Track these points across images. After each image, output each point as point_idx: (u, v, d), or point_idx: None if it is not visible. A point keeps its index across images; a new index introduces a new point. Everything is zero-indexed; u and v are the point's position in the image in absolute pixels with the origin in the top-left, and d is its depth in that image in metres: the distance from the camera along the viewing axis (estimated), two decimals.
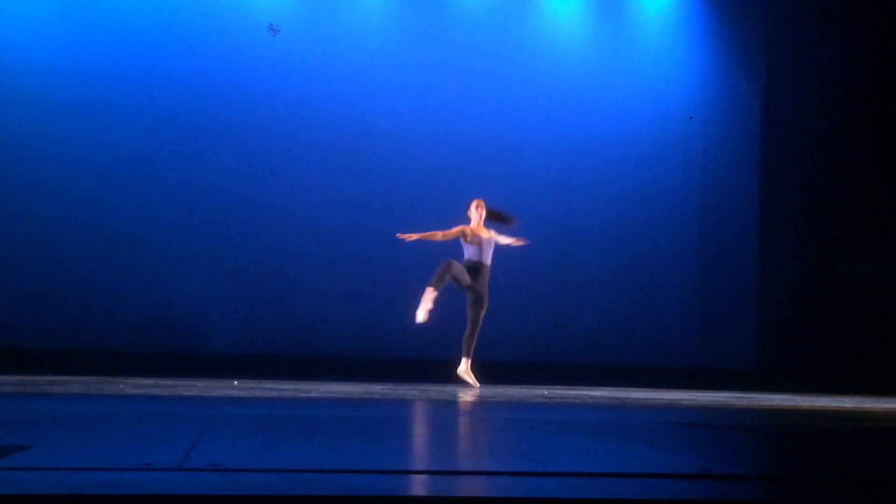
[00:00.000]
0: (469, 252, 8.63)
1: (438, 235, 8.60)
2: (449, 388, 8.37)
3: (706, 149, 12.90)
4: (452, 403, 6.70)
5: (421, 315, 8.09)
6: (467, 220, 8.73)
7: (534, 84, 12.39)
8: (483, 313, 8.61)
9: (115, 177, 11.13)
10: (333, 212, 11.61)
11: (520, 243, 8.82)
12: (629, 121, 12.62)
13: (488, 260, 8.63)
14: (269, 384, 7.87)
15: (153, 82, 11.27)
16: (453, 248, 8.80)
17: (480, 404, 6.65)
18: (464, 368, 8.63)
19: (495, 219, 8.81)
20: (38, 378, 7.71)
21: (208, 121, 11.40)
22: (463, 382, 8.61)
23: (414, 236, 8.48)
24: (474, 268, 8.55)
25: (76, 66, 11.08)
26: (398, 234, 8.45)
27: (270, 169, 11.55)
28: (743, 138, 13.02)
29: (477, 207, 8.73)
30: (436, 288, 8.17)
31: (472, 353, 8.61)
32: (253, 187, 11.49)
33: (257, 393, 6.68)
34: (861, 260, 12.69)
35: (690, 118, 12.66)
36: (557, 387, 9.43)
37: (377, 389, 7.73)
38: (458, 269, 8.41)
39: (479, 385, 8.58)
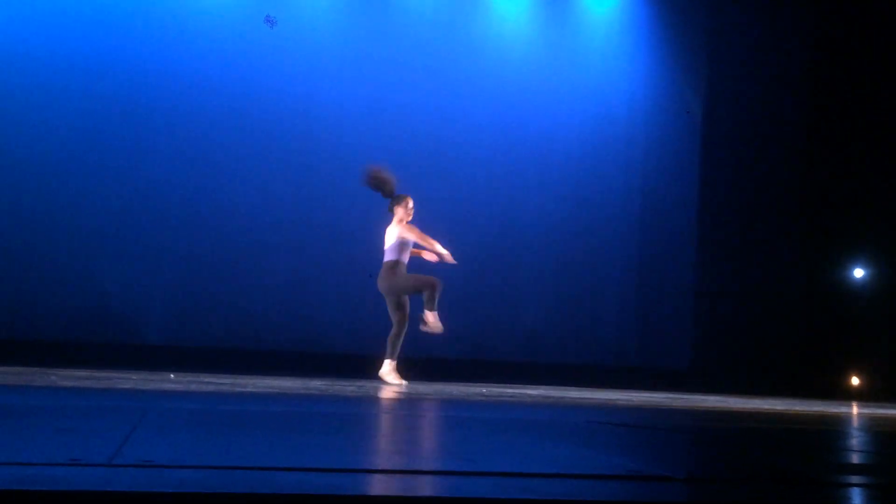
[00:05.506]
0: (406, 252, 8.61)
1: (434, 246, 8.56)
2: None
3: (647, 150, 13.06)
4: (389, 400, 6.70)
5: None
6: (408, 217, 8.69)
7: (478, 82, 12.43)
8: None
9: (48, 163, 10.95)
10: (273, 204, 11.55)
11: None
12: (572, 121, 12.72)
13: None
14: (206, 378, 7.81)
15: (91, 68, 11.10)
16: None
17: (417, 402, 6.66)
18: (387, 370, 8.46)
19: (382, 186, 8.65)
20: None
21: (146, 109, 11.26)
22: (385, 383, 8.38)
23: (447, 256, 8.48)
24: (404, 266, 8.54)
25: (7, 50, 10.86)
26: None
27: (209, 159, 11.45)
28: (683, 141, 13.19)
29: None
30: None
31: (396, 353, 8.49)
32: (191, 177, 11.38)
33: (194, 387, 6.62)
34: (796, 263, 12.93)
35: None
36: (496, 385, 9.47)
37: (315, 385, 7.71)
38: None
39: (405, 383, 8.43)
